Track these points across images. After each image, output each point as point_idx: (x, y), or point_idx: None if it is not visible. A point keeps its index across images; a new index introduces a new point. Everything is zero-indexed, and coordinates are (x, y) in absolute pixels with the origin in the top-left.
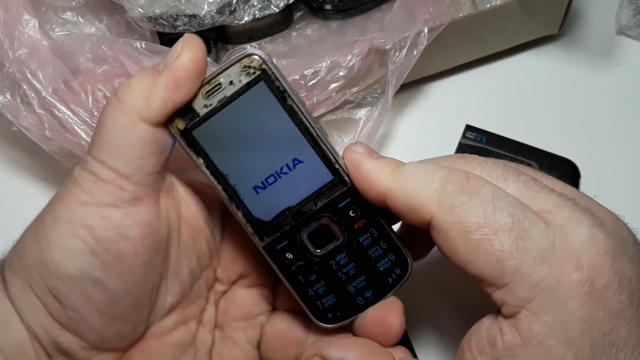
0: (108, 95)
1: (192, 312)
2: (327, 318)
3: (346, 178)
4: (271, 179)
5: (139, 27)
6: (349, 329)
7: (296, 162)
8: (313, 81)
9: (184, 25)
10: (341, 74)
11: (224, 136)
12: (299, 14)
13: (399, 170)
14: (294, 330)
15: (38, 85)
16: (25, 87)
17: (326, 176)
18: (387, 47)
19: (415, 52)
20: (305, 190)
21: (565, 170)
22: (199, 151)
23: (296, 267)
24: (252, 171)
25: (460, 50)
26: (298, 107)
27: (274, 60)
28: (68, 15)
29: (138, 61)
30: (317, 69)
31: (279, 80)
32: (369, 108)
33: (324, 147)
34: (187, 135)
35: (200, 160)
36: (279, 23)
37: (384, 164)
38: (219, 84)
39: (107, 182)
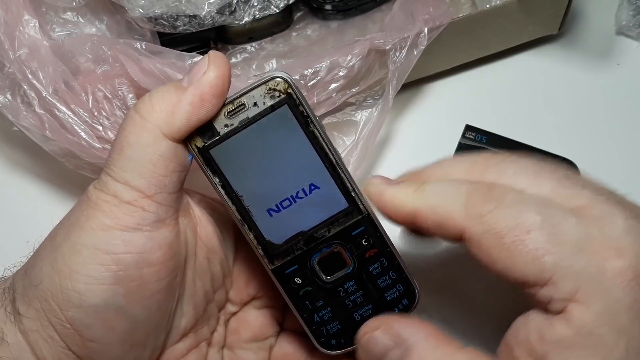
0: (108, 95)
1: (204, 334)
2: (330, 344)
3: (361, 206)
4: (286, 203)
5: (139, 28)
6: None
7: (313, 187)
8: (313, 81)
9: (185, 25)
10: (341, 74)
11: (242, 157)
12: (299, 14)
13: (421, 189)
14: (300, 353)
15: (38, 86)
16: (25, 87)
17: (342, 203)
18: (387, 48)
19: (415, 53)
20: (319, 216)
21: None
22: (216, 170)
23: (304, 292)
24: (267, 194)
25: (460, 50)
26: (320, 132)
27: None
28: (68, 15)
29: (138, 61)
30: (317, 69)
31: (303, 105)
32: (370, 110)
33: (342, 175)
34: (205, 154)
35: (216, 179)
36: (279, 23)
37: (405, 186)
38: (243, 104)
39: (129, 204)
